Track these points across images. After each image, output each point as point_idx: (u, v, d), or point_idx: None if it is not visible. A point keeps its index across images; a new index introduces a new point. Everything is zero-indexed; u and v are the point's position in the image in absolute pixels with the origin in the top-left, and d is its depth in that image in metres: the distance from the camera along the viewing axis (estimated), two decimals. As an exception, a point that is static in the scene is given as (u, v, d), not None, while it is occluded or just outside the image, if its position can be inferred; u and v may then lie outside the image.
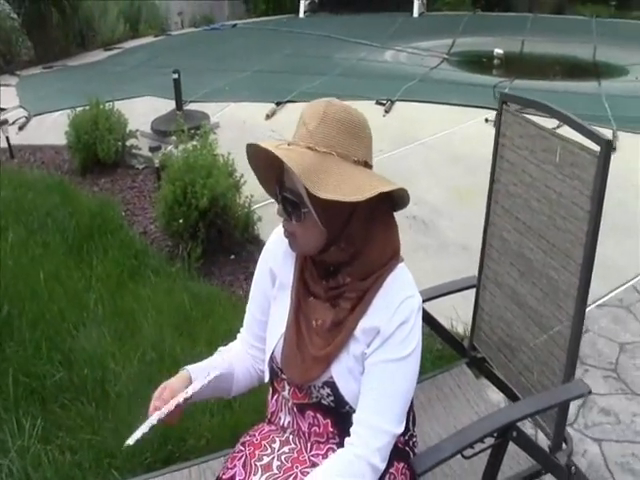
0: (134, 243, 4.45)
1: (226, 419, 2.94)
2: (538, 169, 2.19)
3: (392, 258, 1.78)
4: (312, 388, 1.82)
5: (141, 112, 6.38)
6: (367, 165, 1.71)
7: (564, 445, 2.23)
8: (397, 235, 1.80)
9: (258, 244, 4.50)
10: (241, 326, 2.07)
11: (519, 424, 1.96)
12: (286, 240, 1.84)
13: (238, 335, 2.08)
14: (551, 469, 2.14)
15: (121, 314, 3.66)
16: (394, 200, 1.76)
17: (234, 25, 11.69)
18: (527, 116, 2.31)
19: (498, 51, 9.37)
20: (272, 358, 1.89)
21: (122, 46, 10.52)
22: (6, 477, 2.68)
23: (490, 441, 1.94)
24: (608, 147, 1.91)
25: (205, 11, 12.63)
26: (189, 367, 1.92)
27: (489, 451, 1.97)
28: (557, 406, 2.09)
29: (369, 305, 1.75)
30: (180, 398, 1.77)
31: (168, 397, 1.80)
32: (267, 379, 1.96)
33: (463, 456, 1.91)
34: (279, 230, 1.91)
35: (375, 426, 1.71)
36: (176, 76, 6.08)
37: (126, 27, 11.06)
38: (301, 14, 12.18)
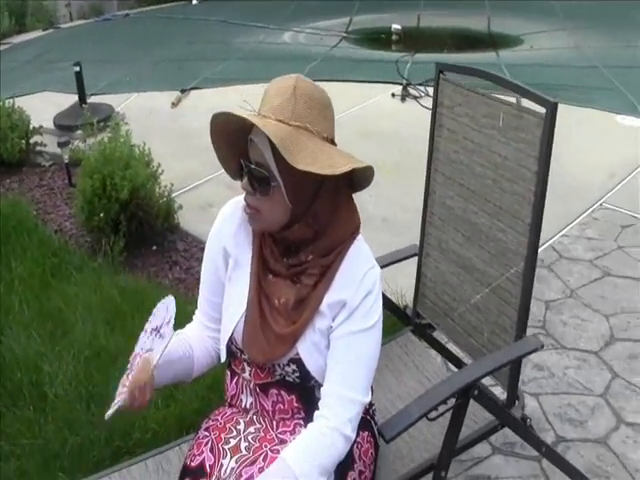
0: (52, 241, 4.31)
1: (171, 409, 2.90)
2: (480, 135, 2.22)
3: (353, 234, 1.79)
4: (276, 366, 1.80)
5: (41, 108, 6.18)
6: (333, 143, 1.71)
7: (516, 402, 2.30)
8: (357, 212, 1.81)
9: (179, 233, 4.47)
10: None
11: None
12: (238, 218, 1.84)
13: (194, 317, 2.04)
14: (509, 423, 2.22)
15: (48, 314, 3.54)
16: (354, 180, 1.76)
17: (126, 15, 11.47)
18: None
19: (396, 27, 9.50)
20: (231, 339, 1.86)
21: (9, 41, 10.17)
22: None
23: (452, 402, 1.98)
24: (554, 109, 1.95)
25: (93, 1, 12.28)
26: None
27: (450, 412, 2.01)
28: (514, 362, 2.15)
29: (332, 280, 1.75)
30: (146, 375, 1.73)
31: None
32: (223, 359, 1.92)
33: (428, 418, 1.93)
34: (227, 209, 1.91)
35: (345, 397, 1.72)
36: (77, 69, 5.94)
37: (11, 21, 10.70)
38: (194, 1, 12.05)
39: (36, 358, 3.18)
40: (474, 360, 2.37)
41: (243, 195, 1.77)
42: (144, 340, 1.83)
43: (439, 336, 2.69)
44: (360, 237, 1.80)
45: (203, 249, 4.24)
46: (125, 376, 1.78)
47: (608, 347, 3.35)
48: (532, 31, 9.22)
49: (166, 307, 1.82)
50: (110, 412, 1.73)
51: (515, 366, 2.21)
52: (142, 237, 4.28)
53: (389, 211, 4.54)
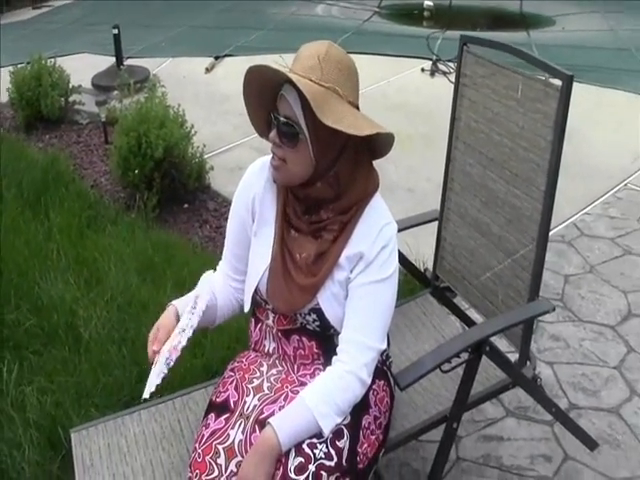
0: (88, 195, 4.49)
1: (198, 357, 3.04)
2: (500, 105, 2.33)
3: (371, 193, 1.91)
4: (297, 315, 1.93)
5: (79, 68, 6.34)
6: (357, 108, 1.82)
7: (528, 362, 2.41)
8: (377, 176, 1.93)
9: (209, 193, 4.64)
10: (204, 270, 2.12)
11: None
12: (265, 176, 1.97)
13: (217, 267, 2.16)
14: (520, 382, 2.32)
15: (84, 263, 3.71)
16: (375, 147, 1.88)
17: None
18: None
19: (428, 3, 9.56)
20: (256, 290, 1.98)
21: (51, 4, 10.34)
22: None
23: (465, 357, 2.09)
24: (570, 82, 2.05)
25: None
26: (174, 302, 2.02)
27: (463, 368, 2.12)
28: (525, 322, 2.27)
29: (350, 235, 1.87)
30: (183, 341, 1.87)
31: (164, 337, 1.91)
32: (247, 309, 2.05)
33: (441, 370, 2.06)
34: (255, 167, 2.03)
35: (362, 343, 1.84)
36: (116, 31, 6.08)
37: (52, -16, 10.83)
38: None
39: (72, 302, 3.35)
40: (489, 321, 2.49)
41: (268, 155, 1.91)
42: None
43: (457, 302, 2.80)
44: (378, 195, 1.92)
45: (233, 209, 4.41)
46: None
47: (625, 322, 3.44)
48: (565, 13, 9.23)
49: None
50: (148, 392, 1.84)
51: (527, 327, 2.32)
52: (174, 195, 4.44)
53: (414, 182, 4.65)
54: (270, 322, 2.00)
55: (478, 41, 2.51)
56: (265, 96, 1.83)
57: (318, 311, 1.90)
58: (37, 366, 3.02)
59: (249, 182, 2.02)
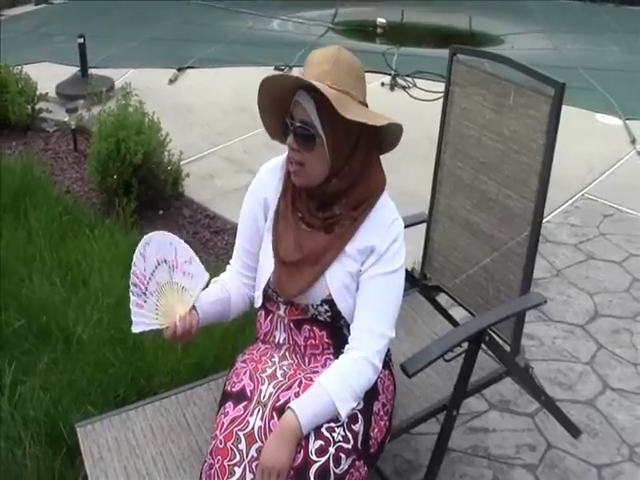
0: (64, 200, 4.52)
1: (190, 356, 3.10)
2: (492, 111, 2.49)
3: (381, 189, 2.05)
4: (309, 306, 2.04)
5: (40, 77, 6.31)
6: (366, 106, 1.97)
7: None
8: (383, 172, 2.06)
9: (183, 200, 4.69)
10: None
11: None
12: (278, 175, 2.09)
13: (228, 266, 2.26)
14: (514, 370, 2.48)
15: (67, 266, 3.74)
16: (383, 142, 2.02)
17: (116, -6, 11.55)
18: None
19: (381, 20, 9.78)
20: (268, 283, 2.09)
21: (3, 13, 10.25)
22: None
23: (465, 348, 2.24)
24: (562, 88, 2.22)
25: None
26: None
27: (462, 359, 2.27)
28: (520, 313, 2.42)
29: (360, 226, 2.00)
30: (186, 307, 2.01)
31: None
32: (258, 304, 2.16)
33: (445, 359, 2.18)
34: (269, 165, 2.15)
35: (373, 330, 1.97)
36: (81, 40, 6.15)
37: (4, -5, 10.72)
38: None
39: (60, 304, 3.38)
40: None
41: (282, 156, 2.06)
42: (148, 266, 2.02)
43: (442, 300, 2.95)
44: (386, 193, 2.06)
45: (208, 216, 4.51)
46: (136, 296, 2.00)
47: (593, 321, 3.65)
48: (512, 32, 9.53)
49: (169, 243, 2.05)
50: (139, 329, 1.99)
51: (519, 320, 2.48)
52: (150, 201, 4.50)
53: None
54: (281, 312, 2.10)
55: (467, 51, 2.67)
56: (280, 104, 1.95)
57: (330, 302, 2.00)
58: (30, 366, 3.04)
59: (263, 179, 2.14)
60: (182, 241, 2.07)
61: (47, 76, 6.51)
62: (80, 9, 10.61)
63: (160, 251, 2.03)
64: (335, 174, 1.94)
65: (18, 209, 4.25)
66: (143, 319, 1.99)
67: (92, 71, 6.71)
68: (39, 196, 4.40)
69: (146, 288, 2.01)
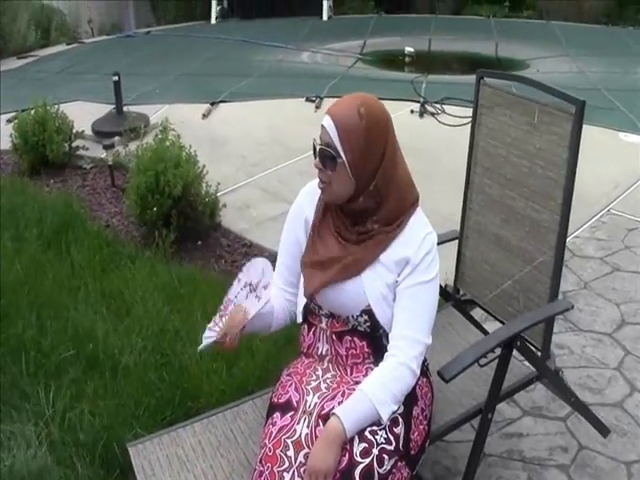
0: (105, 234, 4.67)
1: (234, 377, 3.21)
2: (517, 130, 2.60)
3: (412, 206, 2.17)
4: (350, 317, 2.16)
5: (76, 115, 6.50)
6: None
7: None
8: (415, 188, 2.18)
9: (221, 230, 4.81)
10: None
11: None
12: (317, 196, 2.22)
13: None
14: (545, 373, 2.59)
15: (111, 296, 3.87)
16: None
17: (148, 32, 11.90)
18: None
19: (409, 49, 9.90)
20: (311, 297, 2.21)
21: (36, 54, 10.51)
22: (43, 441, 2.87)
23: (498, 353, 2.34)
24: (582, 106, 2.35)
25: (114, 19, 12.72)
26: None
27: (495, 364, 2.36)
28: (549, 319, 2.53)
29: (394, 240, 2.12)
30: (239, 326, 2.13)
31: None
32: (300, 320, 2.29)
33: (479, 365, 2.29)
34: (307, 188, 2.30)
35: (411, 337, 2.09)
36: (116, 78, 6.30)
37: (37, 35, 10.99)
38: (213, 20, 12.46)
39: (106, 332, 3.50)
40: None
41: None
42: (237, 290, 2.21)
43: (476, 315, 3.07)
44: (419, 209, 2.18)
45: (245, 245, 4.63)
46: (218, 316, 2.19)
47: (620, 329, 3.74)
48: (538, 56, 9.62)
49: (262, 268, 2.20)
50: (203, 346, 2.16)
51: (548, 325, 2.58)
52: (188, 233, 4.62)
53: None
54: (324, 325, 2.22)
55: (493, 75, 2.81)
56: None
57: (369, 312, 2.12)
58: (79, 392, 3.16)
59: (303, 201, 2.29)
60: (270, 266, 2.21)
61: (81, 114, 6.67)
62: (110, 47, 10.99)
63: (254, 274, 2.20)
64: (360, 192, 2.07)
65: (60, 244, 4.41)
66: (211, 333, 2.15)
67: (127, 108, 6.89)
68: (79, 231, 4.56)
69: (226, 309, 2.19)
